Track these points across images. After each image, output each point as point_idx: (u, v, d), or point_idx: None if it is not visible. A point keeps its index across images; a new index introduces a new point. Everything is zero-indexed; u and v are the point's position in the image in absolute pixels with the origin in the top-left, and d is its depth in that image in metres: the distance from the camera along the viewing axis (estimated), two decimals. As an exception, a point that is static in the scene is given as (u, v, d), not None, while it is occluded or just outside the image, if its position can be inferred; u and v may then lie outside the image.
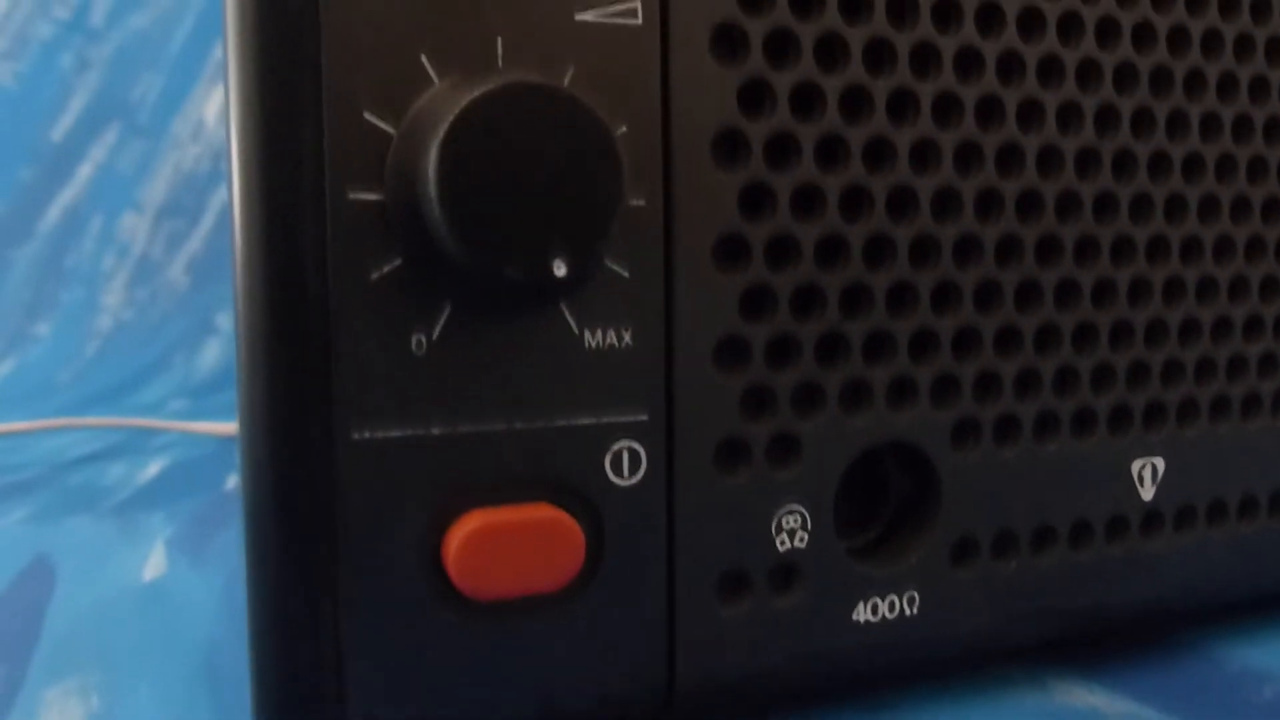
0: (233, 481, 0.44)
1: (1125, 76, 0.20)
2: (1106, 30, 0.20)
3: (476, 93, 0.14)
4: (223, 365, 0.81)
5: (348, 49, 0.15)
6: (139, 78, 0.91)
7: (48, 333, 0.82)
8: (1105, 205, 0.20)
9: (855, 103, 0.18)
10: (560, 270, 0.14)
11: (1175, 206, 0.21)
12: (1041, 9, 0.19)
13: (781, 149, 0.18)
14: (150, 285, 0.86)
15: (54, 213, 0.89)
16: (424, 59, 0.15)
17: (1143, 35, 0.20)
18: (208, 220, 0.92)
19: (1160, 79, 0.21)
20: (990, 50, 0.19)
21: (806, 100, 0.18)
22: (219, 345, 0.83)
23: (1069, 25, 0.20)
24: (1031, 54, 0.19)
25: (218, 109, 0.92)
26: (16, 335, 0.83)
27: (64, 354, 0.79)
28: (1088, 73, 0.20)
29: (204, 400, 0.71)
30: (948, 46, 0.19)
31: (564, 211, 0.14)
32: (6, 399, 0.68)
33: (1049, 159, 0.20)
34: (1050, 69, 0.20)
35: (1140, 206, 0.20)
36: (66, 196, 0.88)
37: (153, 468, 0.47)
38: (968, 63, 0.19)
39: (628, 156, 0.16)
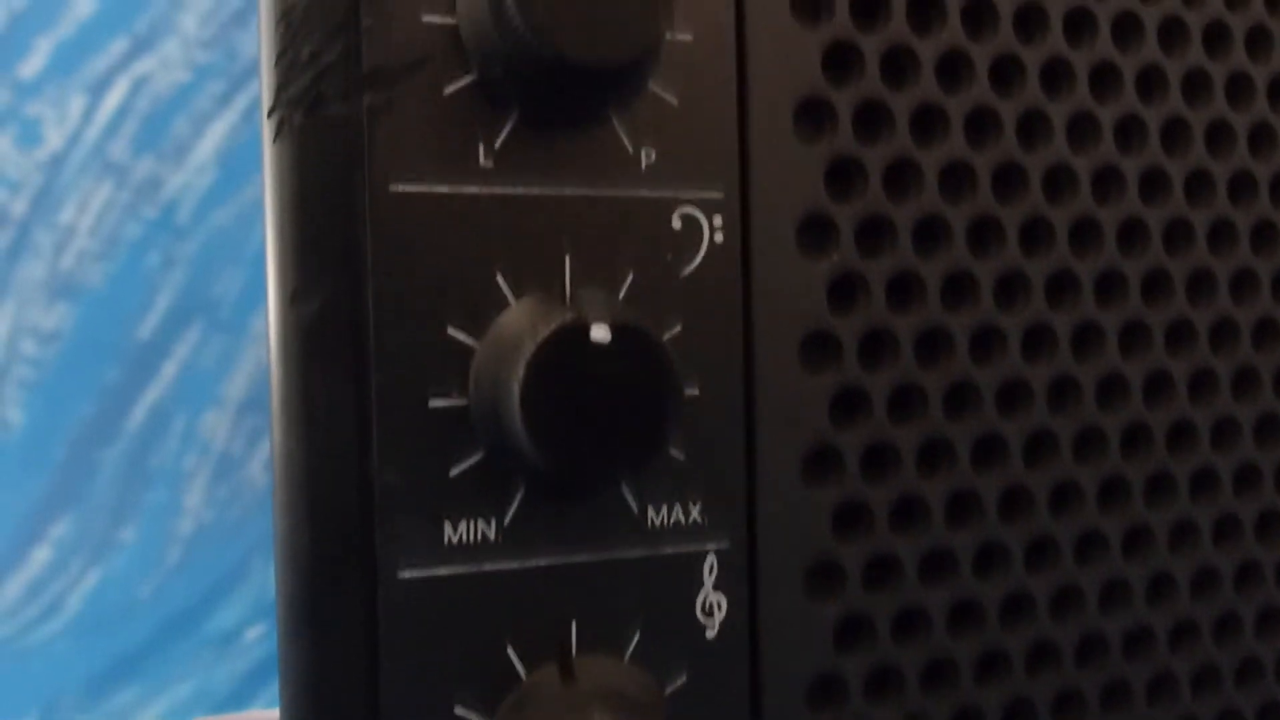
0: None
1: None
2: None
3: None
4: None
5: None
6: (221, 274, 0.97)
7: (132, 538, 0.85)
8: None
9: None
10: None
11: None
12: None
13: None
14: (230, 483, 0.89)
15: (139, 412, 0.94)
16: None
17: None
18: (289, 413, 0.95)
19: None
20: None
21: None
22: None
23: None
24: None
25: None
26: (103, 542, 0.86)
27: (146, 563, 0.82)
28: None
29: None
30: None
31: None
32: (91, 621, 0.70)
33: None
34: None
35: None
36: (151, 395, 0.93)
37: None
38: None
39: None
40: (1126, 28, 0.22)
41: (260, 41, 0.18)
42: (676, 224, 0.19)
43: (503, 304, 0.18)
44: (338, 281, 0.17)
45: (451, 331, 0.18)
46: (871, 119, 0.21)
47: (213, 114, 0.97)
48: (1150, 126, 0.23)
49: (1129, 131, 0.23)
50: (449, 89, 0.18)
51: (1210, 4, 0.23)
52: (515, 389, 0.16)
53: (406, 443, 0.18)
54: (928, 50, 0.21)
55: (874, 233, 0.21)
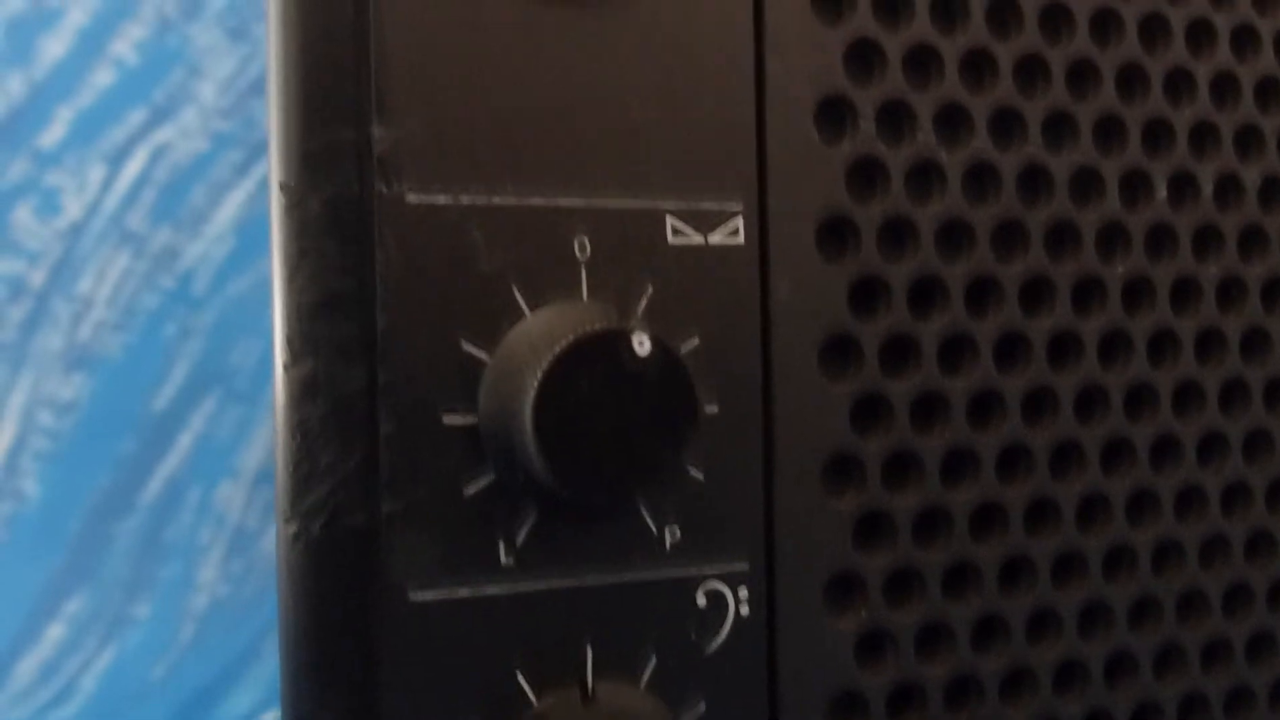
0: None
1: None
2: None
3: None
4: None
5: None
6: (237, 344, 0.97)
7: (146, 614, 0.85)
8: None
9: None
10: None
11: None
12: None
13: None
14: (245, 557, 0.89)
15: (155, 484, 0.94)
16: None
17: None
18: (305, 485, 0.95)
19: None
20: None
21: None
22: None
23: None
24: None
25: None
26: (116, 619, 0.86)
27: (160, 641, 0.82)
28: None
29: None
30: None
31: None
32: (104, 706, 0.70)
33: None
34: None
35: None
36: (167, 467, 0.93)
37: None
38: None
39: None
40: (1154, 29, 0.22)
41: (276, 448, 0.17)
42: (701, 601, 0.19)
43: (524, 704, 0.18)
44: (350, 703, 0.17)
45: (467, 742, 0.18)
46: (900, 468, 0.20)
47: (231, 183, 0.97)
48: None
49: (1182, 185, 0.22)
50: (469, 490, 0.18)
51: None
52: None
53: None
54: (956, 281, 0.20)
55: (903, 584, 0.21)
